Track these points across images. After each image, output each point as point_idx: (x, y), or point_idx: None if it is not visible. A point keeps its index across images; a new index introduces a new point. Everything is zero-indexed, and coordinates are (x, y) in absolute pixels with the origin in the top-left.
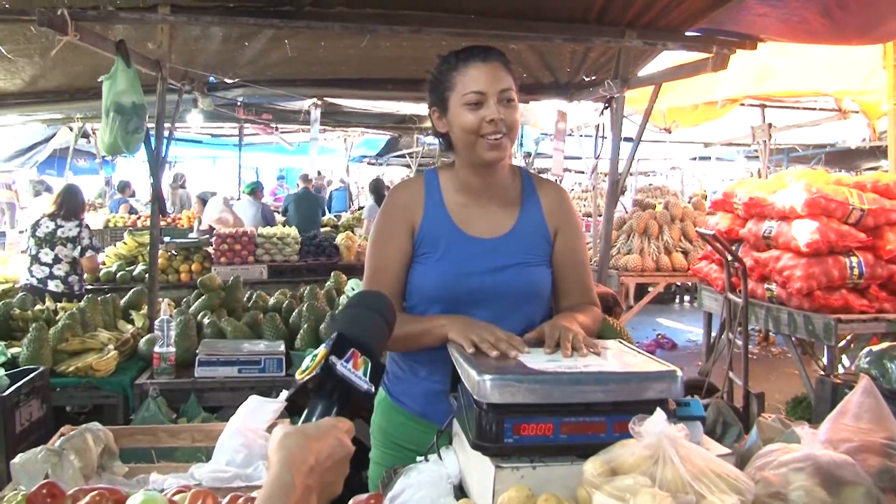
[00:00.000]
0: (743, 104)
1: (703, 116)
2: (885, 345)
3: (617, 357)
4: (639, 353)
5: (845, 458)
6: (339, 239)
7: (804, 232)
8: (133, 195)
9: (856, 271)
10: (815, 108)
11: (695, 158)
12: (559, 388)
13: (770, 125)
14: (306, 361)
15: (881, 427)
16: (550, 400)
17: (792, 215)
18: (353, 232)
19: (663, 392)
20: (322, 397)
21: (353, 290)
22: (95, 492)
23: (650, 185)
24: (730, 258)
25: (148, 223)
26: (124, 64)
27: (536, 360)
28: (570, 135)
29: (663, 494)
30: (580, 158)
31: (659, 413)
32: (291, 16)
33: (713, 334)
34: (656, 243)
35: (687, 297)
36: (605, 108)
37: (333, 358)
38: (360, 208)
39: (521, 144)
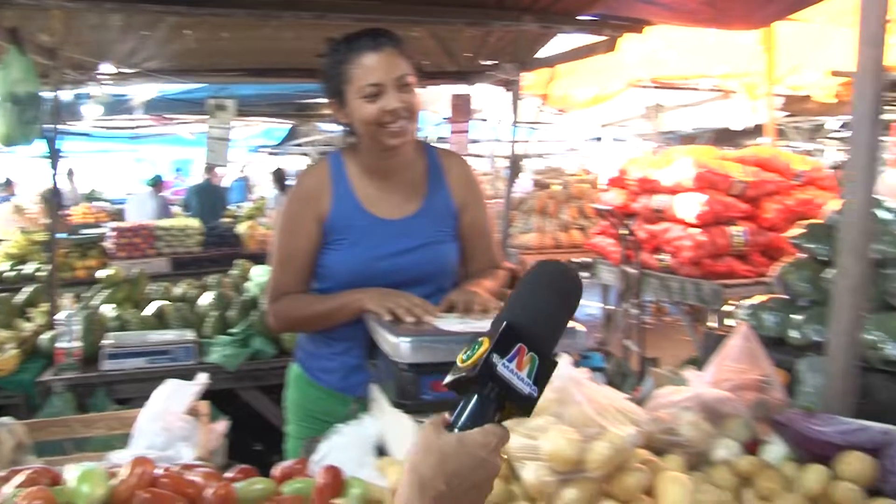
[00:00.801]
0: (635, 86)
1: (595, 99)
2: (762, 298)
3: None
4: None
5: (727, 395)
6: (242, 228)
7: (692, 204)
8: (14, 194)
9: (740, 239)
10: (701, 90)
11: (589, 139)
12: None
13: (659, 105)
14: (467, 350)
15: (756, 367)
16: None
17: (681, 189)
18: (255, 221)
19: (567, 346)
20: (479, 392)
21: (258, 277)
22: (30, 470)
23: (548, 166)
24: (625, 232)
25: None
26: (19, 52)
27: (449, 323)
28: (470, 119)
29: (570, 429)
30: (479, 142)
31: (564, 358)
32: (194, 1)
33: (610, 306)
34: (555, 221)
35: (586, 273)
36: (505, 90)
37: (495, 356)
38: (262, 198)
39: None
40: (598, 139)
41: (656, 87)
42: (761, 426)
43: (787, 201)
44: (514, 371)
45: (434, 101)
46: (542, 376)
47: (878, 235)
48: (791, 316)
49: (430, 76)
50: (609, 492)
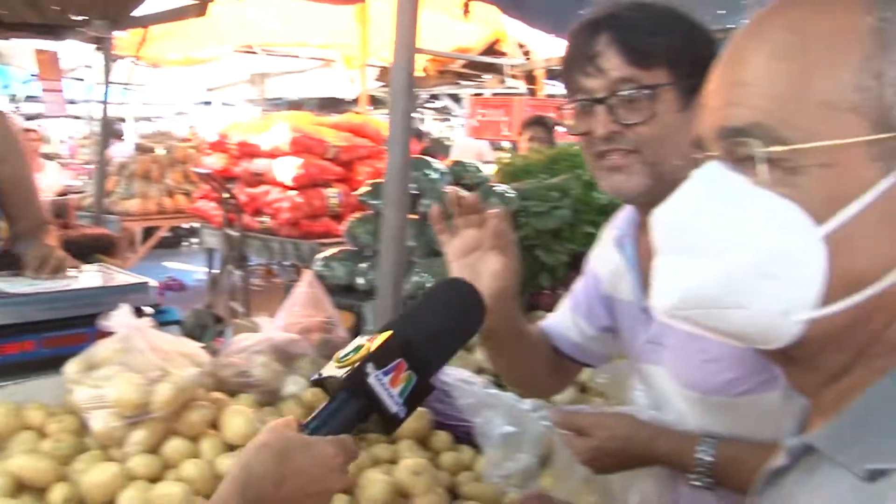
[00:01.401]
0: (238, 52)
1: (187, 60)
2: (333, 250)
3: (97, 276)
4: (118, 271)
5: (295, 337)
6: None
7: (289, 167)
8: None
9: (335, 201)
10: (304, 58)
11: (198, 103)
12: (36, 308)
13: (265, 73)
14: (350, 347)
15: (321, 310)
16: (28, 319)
17: (278, 153)
18: None
19: (138, 301)
20: (344, 398)
21: None
22: None
23: (157, 130)
24: (226, 195)
25: None
26: None
27: (17, 285)
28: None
29: (134, 375)
30: (75, 103)
31: (124, 307)
32: None
33: (216, 270)
34: (159, 186)
35: (195, 239)
36: (96, 49)
37: (370, 366)
38: None
39: (6, 86)
40: (209, 103)
41: (257, 54)
42: (325, 362)
43: (377, 165)
44: (387, 386)
45: (17, 55)
46: (414, 397)
47: (427, 191)
48: (358, 265)
49: (11, 28)
50: (176, 429)
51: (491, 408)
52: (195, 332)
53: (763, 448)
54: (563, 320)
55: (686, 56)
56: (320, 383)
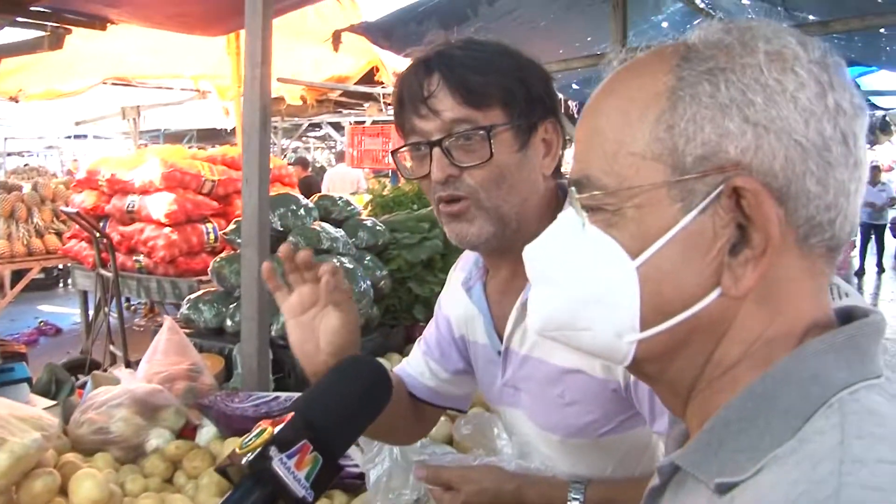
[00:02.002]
0: (105, 83)
1: (48, 94)
2: (199, 292)
3: None
4: None
5: (157, 387)
6: None
7: (163, 204)
8: None
9: (212, 236)
10: (178, 90)
11: (70, 137)
12: None
13: (139, 106)
14: (251, 434)
15: (185, 357)
16: None
17: (151, 189)
18: None
19: None
20: (248, 485)
21: None
22: None
23: (26, 165)
24: (97, 234)
25: None
26: None
27: None
28: None
29: None
30: None
31: None
32: None
33: (91, 313)
34: (26, 226)
35: (70, 280)
36: None
37: (274, 450)
38: None
39: None
40: (84, 136)
41: (129, 86)
42: (193, 412)
43: None
44: (292, 469)
45: None
46: (322, 479)
47: (293, 228)
48: (226, 307)
49: None
50: (19, 500)
51: (374, 447)
52: (49, 388)
53: (633, 483)
54: (417, 365)
55: (520, 94)
56: (223, 471)
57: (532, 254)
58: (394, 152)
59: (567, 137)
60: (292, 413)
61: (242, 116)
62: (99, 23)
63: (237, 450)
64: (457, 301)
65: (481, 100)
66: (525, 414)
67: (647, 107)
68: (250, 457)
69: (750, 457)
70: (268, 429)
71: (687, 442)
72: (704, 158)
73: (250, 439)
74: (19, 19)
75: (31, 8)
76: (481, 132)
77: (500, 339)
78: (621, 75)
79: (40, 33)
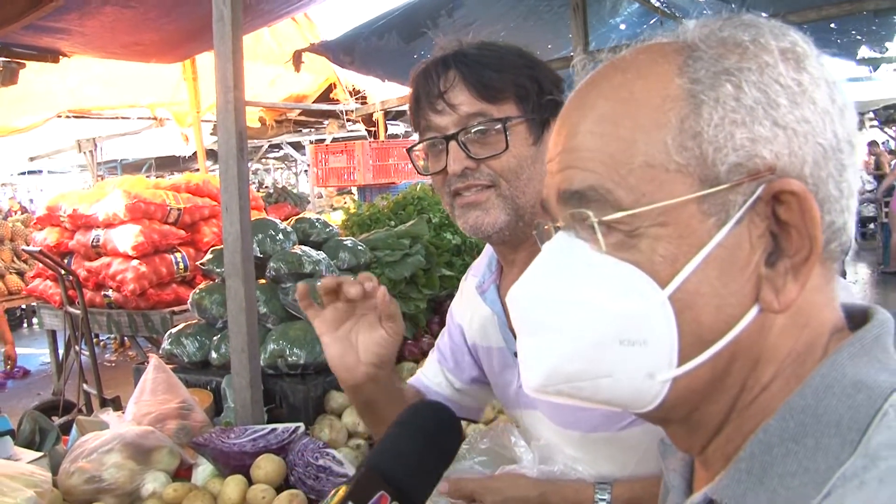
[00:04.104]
0: (60, 116)
1: (10, 128)
2: (181, 325)
3: None
4: None
5: (148, 429)
6: None
7: (128, 236)
8: None
9: (181, 265)
10: (133, 119)
11: (24, 173)
12: None
13: (95, 138)
14: (326, 498)
15: (175, 395)
16: None
17: (116, 221)
18: None
19: None
20: None
21: None
22: None
23: None
24: (63, 272)
25: None
26: None
27: None
28: None
29: None
30: None
31: None
32: None
33: (61, 352)
34: None
35: (35, 320)
36: None
37: None
38: None
39: None
40: (39, 172)
41: (81, 118)
42: (188, 450)
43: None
44: None
45: None
46: None
47: (273, 254)
48: (210, 339)
49: None
50: None
51: None
52: (33, 438)
53: (658, 480)
54: (434, 375)
55: (533, 90)
56: None
57: (521, 299)
58: (409, 149)
59: None
60: (364, 468)
61: (218, 144)
62: (51, 56)
63: None
64: (469, 307)
65: (496, 94)
66: (543, 414)
67: (662, 112)
68: None
69: (808, 481)
70: (342, 488)
71: (698, 474)
72: (739, 165)
73: (326, 502)
74: None
75: None
76: (497, 125)
77: (516, 339)
78: (613, 76)
79: None
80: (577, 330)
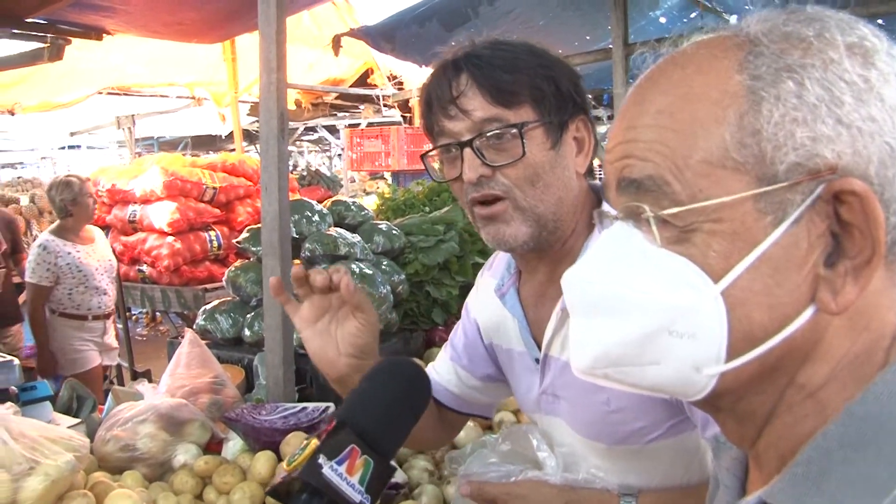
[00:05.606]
0: (101, 93)
1: (44, 105)
2: (215, 302)
3: None
4: None
5: (181, 402)
6: None
7: (165, 213)
8: None
9: (215, 244)
10: (172, 98)
11: (63, 147)
12: None
13: (133, 114)
14: (297, 450)
15: (208, 369)
16: None
17: (153, 198)
18: None
19: (1, 382)
20: (310, 495)
21: None
22: None
23: (19, 178)
24: None
25: None
26: None
27: None
28: None
29: None
30: None
31: None
32: None
33: None
34: (25, 240)
35: None
36: None
37: (322, 458)
38: None
39: None
40: (78, 147)
41: (121, 95)
42: (219, 425)
43: (257, 204)
44: (344, 475)
45: None
46: (376, 483)
47: (309, 235)
48: (244, 316)
49: None
50: None
51: None
52: (71, 405)
53: (684, 493)
54: (445, 372)
55: (550, 92)
56: (276, 493)
57: (577, 280)
58: (423, 155)
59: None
60: (334, 421)
61: (260, 124)
62: (95, 34)
63: (285, 467)
64: (486, 306)
65: (511, 98)
66: (564, 422)
67: (721, 108)
68: (303, 469)
69: (869, 489)
70: (312, 440)
71: (752, 476)
72: (799, 165)
73: (296, 455)
74: (16, 31)
75: (28, 20)
76: (513, 130)
77: (538, 345)
78: (672, 72)
79: (40, 45)
80: (630, 317)
